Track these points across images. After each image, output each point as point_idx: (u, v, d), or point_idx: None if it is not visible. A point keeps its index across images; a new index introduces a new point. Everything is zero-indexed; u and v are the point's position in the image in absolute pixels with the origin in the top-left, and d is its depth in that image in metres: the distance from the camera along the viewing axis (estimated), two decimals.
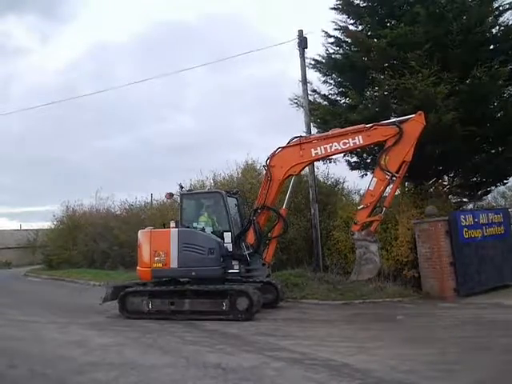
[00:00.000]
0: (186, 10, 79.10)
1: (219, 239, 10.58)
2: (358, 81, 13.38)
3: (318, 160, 11.56)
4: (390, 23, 13.35)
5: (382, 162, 9.64)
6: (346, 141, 9.98)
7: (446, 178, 15.03)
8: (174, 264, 10.53)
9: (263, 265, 10.76)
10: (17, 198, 74.26)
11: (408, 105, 11.52)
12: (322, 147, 10.17)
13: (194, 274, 10.45)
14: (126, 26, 78.46)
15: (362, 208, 9.89)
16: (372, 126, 9.81)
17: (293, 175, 10.73)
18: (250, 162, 18.22)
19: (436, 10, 12.13)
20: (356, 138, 9.90)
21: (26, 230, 37.85)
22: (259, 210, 10.67)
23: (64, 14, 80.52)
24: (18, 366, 6.96)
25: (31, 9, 76.60)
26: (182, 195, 11.40)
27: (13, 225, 50.16)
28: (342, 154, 14.26)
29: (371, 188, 9.78)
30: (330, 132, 10.43)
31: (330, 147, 10.11)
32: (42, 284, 20.87)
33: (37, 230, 34.33)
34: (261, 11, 78.87)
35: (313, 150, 10.26)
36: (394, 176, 9.64)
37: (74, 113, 62.40)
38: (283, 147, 10.56)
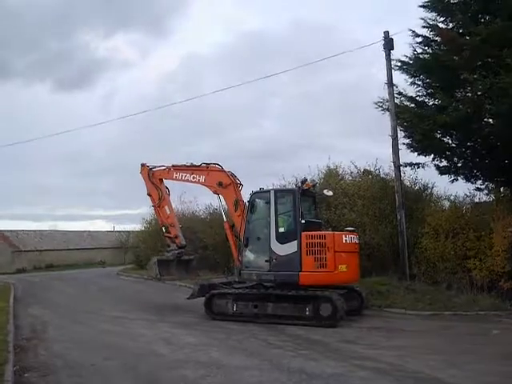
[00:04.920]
0: (273, 20, 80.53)
1: None
2: (448, 81, 12.74)
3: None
4: (485, 19, 12.59)
5: None
6: None
7: None
8: None
9: None
10: (113, 201, 79.80)
11: (503, 105, 10.80)
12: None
13: None
14: (215, 38, 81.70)
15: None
16: None
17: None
18: (332, 167, 18.05)
19: None
20: None
21: (119, 231, 40.35)
22: None
23: (162, 29, 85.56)
24: (113, 358, 7.44)
25: (137, 26, 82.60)
26: None
27: (108, 227, 53.77)
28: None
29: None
30: None
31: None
32: (133, 283, 22.07)
33: (128, 231, 36.39)
34: (349, 18, 77.98)
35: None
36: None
37: (166, 122, 66.03)
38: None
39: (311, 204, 11.69)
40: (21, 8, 63.52)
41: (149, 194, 13.54)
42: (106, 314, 12.12)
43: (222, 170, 12.07)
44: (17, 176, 67.66)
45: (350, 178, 17.43)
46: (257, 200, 11.18)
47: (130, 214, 76.17)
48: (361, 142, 43.72)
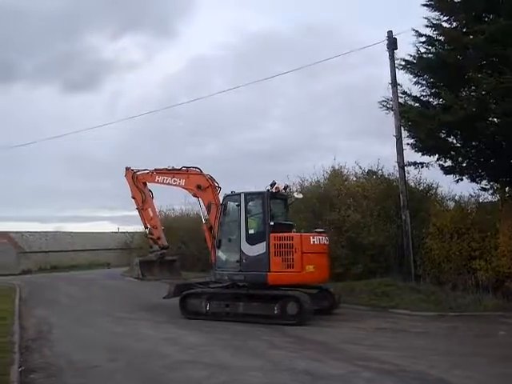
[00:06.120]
0: (278, 22, 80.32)
1: None
2: (453, 80, 12.69)
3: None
4: (488, 18, 12.52)
5: None
6: None
7: None
8: None
9: None
10: (118, 202, 79.63)
11: (509, 105, 10.74)
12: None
13: None
14: (221, 40, 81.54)
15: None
16: None
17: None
18: (336, 168, 18.01)
19: None
20: None
21: (123, 232, 40.29)
22: None
23: (169, 31, 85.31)
24: (118, 359, 7.44)
25: (144, 27, 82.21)
26: None
27: (113, 228, 53.61)
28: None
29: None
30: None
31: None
32: (137, 284, 21.97)
33: (133, 232, 36.22)
34: (354, 19, 77.72)
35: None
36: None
37: (171, 123, 65.93)
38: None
39: (283, 206, 11.88)
40: (27, 9, 63.68)
41: (133, 197, 14.14)
42: (110, 314, 12.13)
43: (201, 174, 12.39)
44: (23, 178, 67.70)
45: (355, 179, 17.42)
46: (229, 203, 11.47)
47: (134, 216, 75.93)
48: (365, 143, 43.56)
